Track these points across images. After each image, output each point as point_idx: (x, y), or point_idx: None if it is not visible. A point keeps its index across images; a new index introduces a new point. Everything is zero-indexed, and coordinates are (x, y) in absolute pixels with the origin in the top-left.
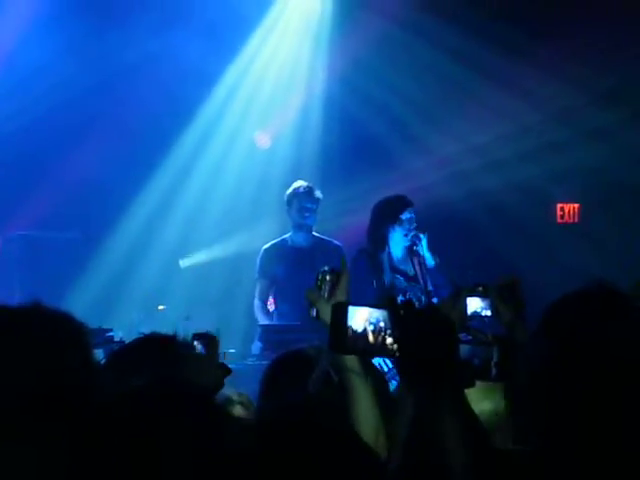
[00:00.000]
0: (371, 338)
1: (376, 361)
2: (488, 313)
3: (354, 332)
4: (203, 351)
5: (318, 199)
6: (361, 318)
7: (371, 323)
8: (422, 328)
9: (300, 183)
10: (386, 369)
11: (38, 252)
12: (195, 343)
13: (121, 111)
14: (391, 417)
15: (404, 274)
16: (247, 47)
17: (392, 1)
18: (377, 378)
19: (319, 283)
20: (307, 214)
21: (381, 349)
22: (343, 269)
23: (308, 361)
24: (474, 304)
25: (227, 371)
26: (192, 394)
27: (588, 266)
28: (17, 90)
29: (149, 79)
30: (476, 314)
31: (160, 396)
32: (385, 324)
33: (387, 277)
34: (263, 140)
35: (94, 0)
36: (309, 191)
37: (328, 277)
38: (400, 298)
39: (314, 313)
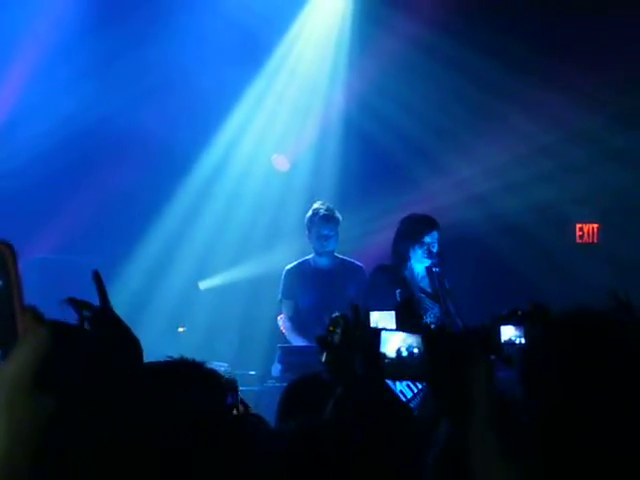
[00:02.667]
0: (404, 363)
1: (397, 388)
2: (523, 341)
3: (388, 357)
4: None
5: (337, 222)
6: (395, 343)
7: (406, 349)
8: (456, 355)
9: (318, 207)
10: (410, 395)
11: (57, 275)
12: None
13: (138, 137)
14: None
15: (426, 292)
16: (265, 70)
17: (410, 23)
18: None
19: (331, 328)
20: (326, 242)
21: (414, 374)
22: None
23: (324, 385)
24: (508, 332)
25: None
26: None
27: (607, 286)
28: (36, 115)
29: (166, 104)
30: (510, 342)
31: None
32: (419, 349)
33: (414, 292)
34: (281, 163)
35: (112, 24)
36: (326, 217)
37: (341, 322)
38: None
39: (323, 358)
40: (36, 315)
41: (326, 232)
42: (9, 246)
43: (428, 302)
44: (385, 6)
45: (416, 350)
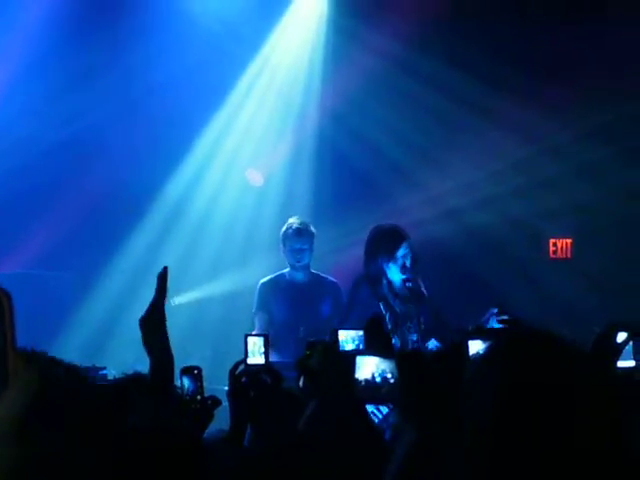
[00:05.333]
0: (378, 387)
1: (369, 409)
2: None
3: (361, 381)
4: (191, 385)
5: (311, 236)
6: (368, 368)
7: (379, 375)
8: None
9: (291, 222)
10: (377, 420)
11: (32, 290)
12: (183, 377)
13: (113, 152)
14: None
15: (408, 298)
16: (239, 85)
17: (385, 40)
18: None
19: (308, 352)
20: (299, 256)
21: (387, 397)
22: (334, 344)
23: (294, 400)
24: (475, 347)
25: (216, 402)
26: (177, 437)
27: (581, 301)
28: (9, 130)
29: (140, 120)
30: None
31: (146, 438)
32: (392, 375)
33: (397, 305)
34: (256, 178)
35: (85, 38)
36: (298, 231)
37: (319, 348)
38: (408, 324)
39: (301, 383)
40: (26, 358)
41: (298, 246)
42: (5, 292)
43: (413, 309)
44: (360, 22)
45: (389, 375)
